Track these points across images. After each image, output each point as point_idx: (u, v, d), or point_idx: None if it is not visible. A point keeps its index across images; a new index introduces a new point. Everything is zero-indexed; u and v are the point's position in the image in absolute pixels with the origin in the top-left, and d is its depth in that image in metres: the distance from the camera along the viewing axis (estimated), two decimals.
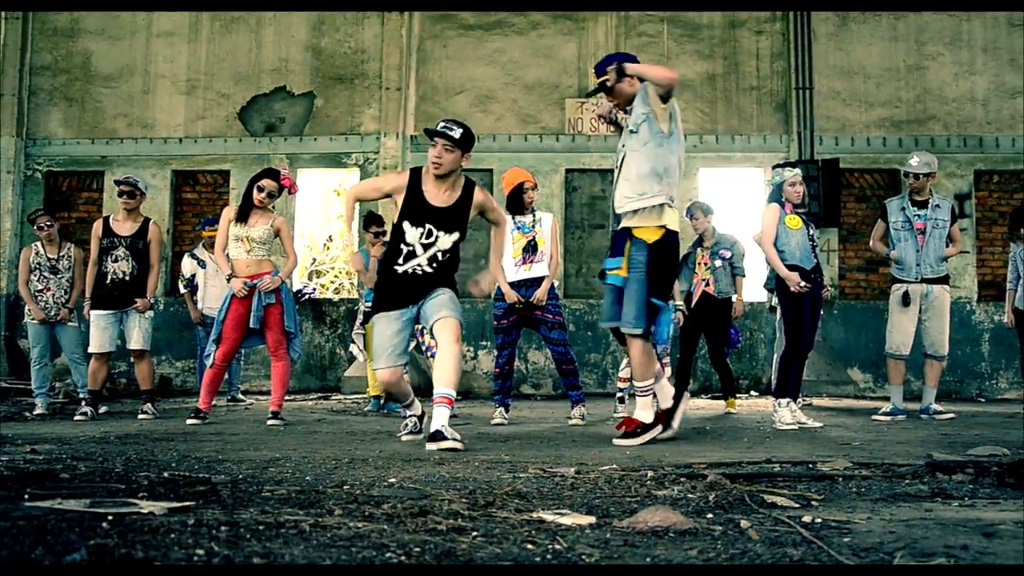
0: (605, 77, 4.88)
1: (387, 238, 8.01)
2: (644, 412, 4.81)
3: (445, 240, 4.67)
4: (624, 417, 4.98)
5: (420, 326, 6.35)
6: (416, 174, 4.75)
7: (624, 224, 4.79)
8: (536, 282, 6.25)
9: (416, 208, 4.66)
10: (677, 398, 4.95)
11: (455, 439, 4.26)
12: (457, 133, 4.62)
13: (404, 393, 4.95)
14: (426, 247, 4.64)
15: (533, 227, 6.33)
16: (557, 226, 6.59)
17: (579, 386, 6.43)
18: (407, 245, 4.66)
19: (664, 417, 4.92)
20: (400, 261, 4.67)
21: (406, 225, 4.67)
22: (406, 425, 4.99)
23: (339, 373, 11.01)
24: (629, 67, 4.84)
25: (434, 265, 4.68)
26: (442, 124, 4.68)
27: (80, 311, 7.37)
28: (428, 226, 4.65)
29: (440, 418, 4.36)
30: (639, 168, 4.73)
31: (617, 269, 4.78)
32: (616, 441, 4.69)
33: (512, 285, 6.25)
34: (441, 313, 4.62)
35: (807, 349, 6.13)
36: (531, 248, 6.27)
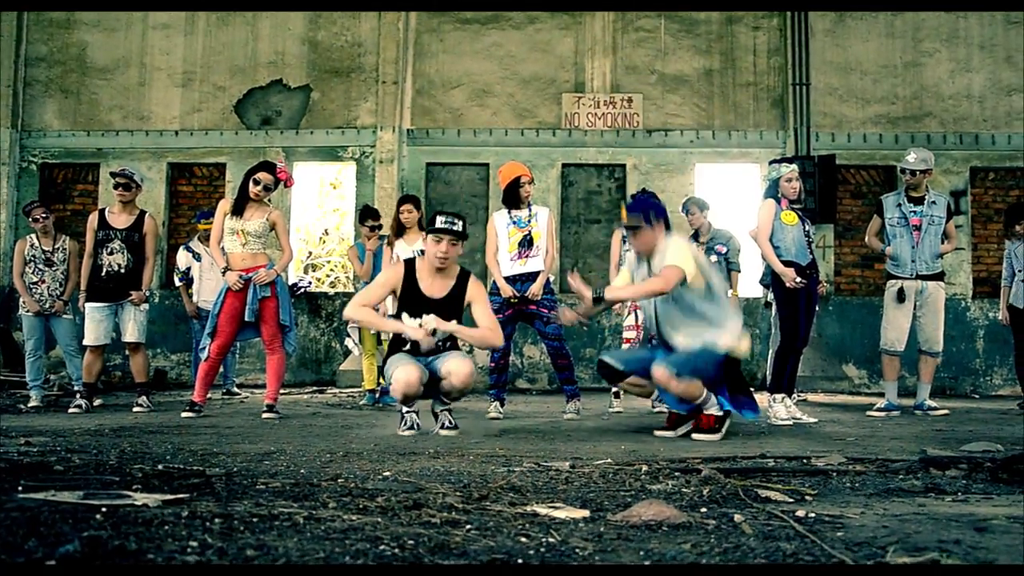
0: (635, 224, 4.89)
1: (383, 231, 8.03)
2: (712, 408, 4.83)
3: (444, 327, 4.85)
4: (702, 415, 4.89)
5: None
6: (411, 265, 4.95)
7: None
8: (531, 276, 6.24)
9: (413, 300, 4.85)
10: (693, 414, 4.96)
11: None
12: (460, 227, 4.82)
13: (417, 396, 4.92)
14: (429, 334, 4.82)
15: (529, 222, 6.31)
16: (553, 221, 6.58)
17: (574, 381, 6.43)
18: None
19: (674, 421, 4.96)
20: (407, 348, 4.87)
21: (404, 316, 4.83)
22: (406, 422, 4.94)
23: (334, 367, 11.01)
24: (609, 293, 4.91)
25: (440, 345, 4.89)
26: (444, 221, 4.80)
27: (75, 303, 7.35)
28: (427, 315, 4.78)
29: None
30: (683, 319, 4.80)
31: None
32: (696, 436, 4.74)
33: (507, 280, 6.24)
34: (453, 358, 4.79)
35: (802, 345, 6.14)
36: (527, 243, 6.26)
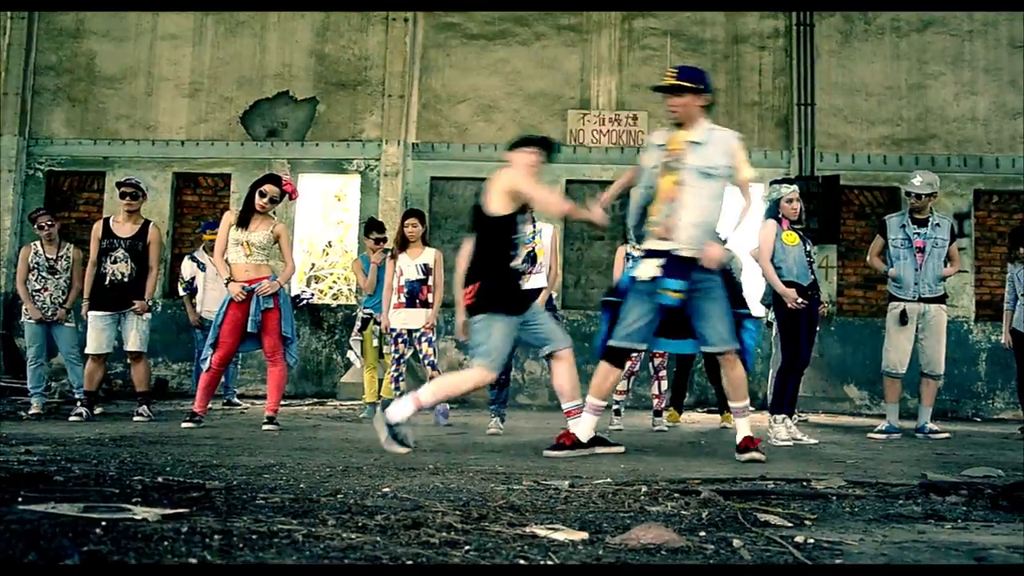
0: (689, 84, 4.72)
1: (387, 244, 8.03)
2: (747, 428, 4.76)
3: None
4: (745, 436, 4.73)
5: (419, 333, 6.49)
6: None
7: (681, 253, 4.72)
8: (534, 293, 6.24)
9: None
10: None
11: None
12: None
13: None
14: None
15: (533, 238, 6.33)
16: (557, 237, 6.60)
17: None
18: (518, 237, 4.88)
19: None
20: (513, 253, 4.81)
21: (520, 219, 4.89)
22: (396, 437, 4.64)
23: (335, 379, 10.99)
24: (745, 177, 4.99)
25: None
26: None
27: (78, 311, 7.37)
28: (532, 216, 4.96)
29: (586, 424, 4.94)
30: (709, 217, 4.80)
31: (679, 292, 4.67)
32: (547, 453, 4.70)
33: None
34: (560, 345, 5.05)
35: (803, 365, 6.14)
36: (530, 259, 6.27)
